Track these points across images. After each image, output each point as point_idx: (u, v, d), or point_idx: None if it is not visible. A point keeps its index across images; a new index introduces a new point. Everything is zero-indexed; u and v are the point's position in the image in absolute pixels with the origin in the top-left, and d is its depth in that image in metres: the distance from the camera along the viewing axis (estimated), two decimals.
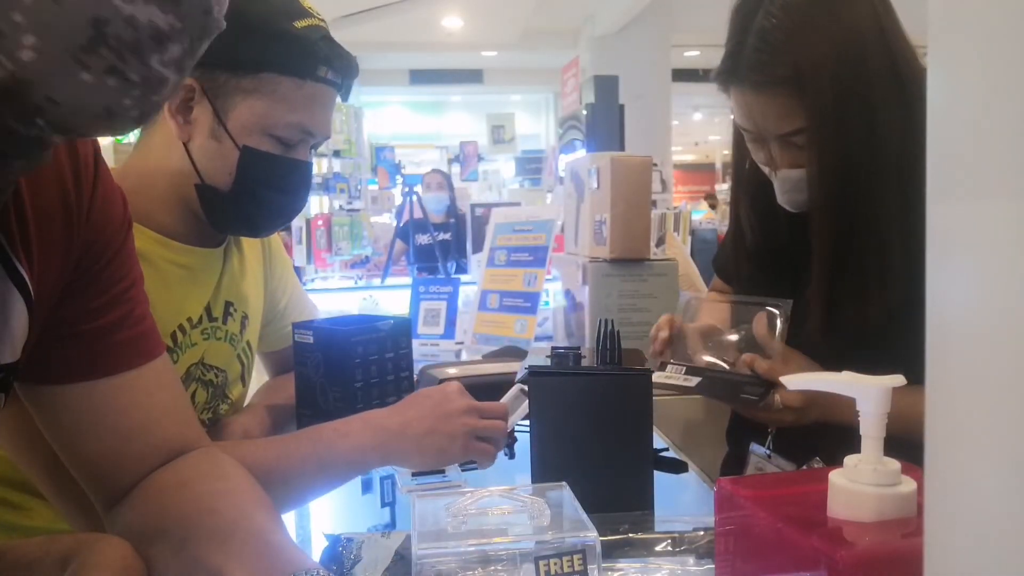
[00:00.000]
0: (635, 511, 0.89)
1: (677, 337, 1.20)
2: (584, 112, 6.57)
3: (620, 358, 0.99)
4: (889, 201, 1.04)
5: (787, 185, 1.10)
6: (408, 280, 3.97)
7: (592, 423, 0.96)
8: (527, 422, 1.01)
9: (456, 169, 9.05)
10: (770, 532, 0.59)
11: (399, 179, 6.49)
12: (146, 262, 0.85)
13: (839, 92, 1.02)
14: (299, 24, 1.03)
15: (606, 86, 6.52)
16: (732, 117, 1.15)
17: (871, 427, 0.58)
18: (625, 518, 0.85)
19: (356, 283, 4.95)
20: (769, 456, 1.10)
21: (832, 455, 0.73)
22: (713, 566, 0.75)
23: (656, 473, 0.99)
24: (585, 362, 1.00)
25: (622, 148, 6.11)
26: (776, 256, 1.22)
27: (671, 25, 8.50)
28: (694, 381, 1.13)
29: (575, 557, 0.67)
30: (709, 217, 8.96)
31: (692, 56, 10.32)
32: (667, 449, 1.21)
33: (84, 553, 0.63)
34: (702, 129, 17.08)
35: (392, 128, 12.09)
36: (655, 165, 2.55)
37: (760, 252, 1.24)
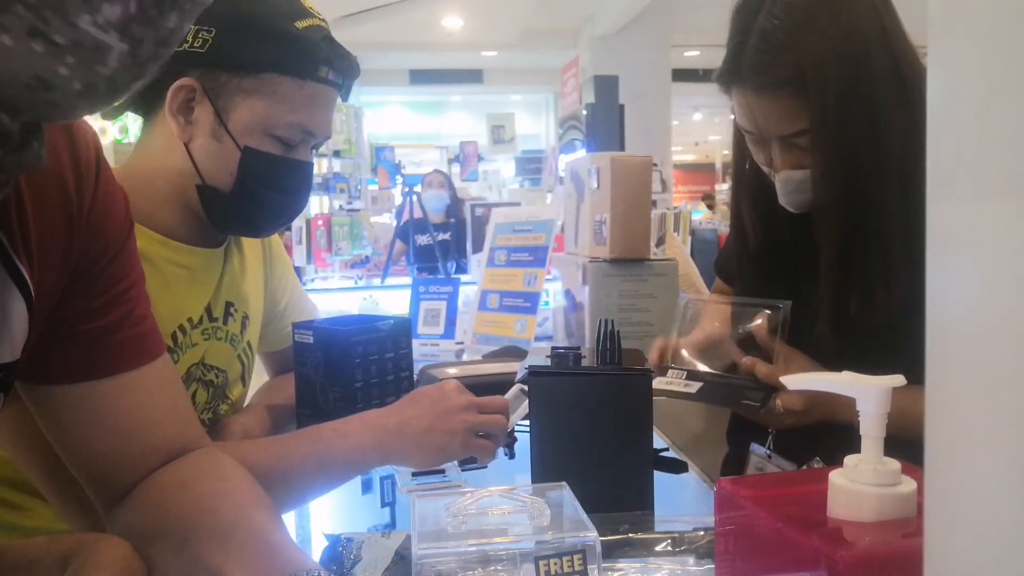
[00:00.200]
0: (635, 511, 0.89)
1: (675, 352, 1.20)
2: (584, 112, 6.58)
3: (620, 358, 0.99)
4: (891, 201, 1.04)
5: (789, 186, 1.10)
6: (408, 280, 3.97)
7: (592, 423, 0.96)
8: (527, 422, 1.01)
9: (456, 169, 9.05)
10: (770, 532, 0.59)
11: (399, 179, 6.49)
12: (147, 262, 0.85)
13: (841, 93, 1.01)
14: (300, 24, 1.03)
15: (606, 86, 6.53)
16: (732, 117, 1.15)
17: (871, 427, 0.58)
18: (625, 518, 0.85)
19: (356, 283, 4.95)
20: (769, 456, 1.11)
21: (832, 455, 0.74)
22: (713, 566, 0.75)
23: (656, 473, 0.99)
24: (585, 362, 1.00)
25: (622, 148, 6.12)
26: (777, 256, 1.22)
27: (671, 25, 8.50)
28: (695, 387, 1.13)
29: (575, 557, 0.67)
30: (707, 218, 8.96)
31: (692, 56, 10.32)
32: (667, 449, 1.21)
33: (84, 553, 0.63)
34: (702, 129, 17.08)
35: (392, 128, 12.09)
36: (655, 165, 2.55)
37: (761, 252, 1.24)
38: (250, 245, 1.25)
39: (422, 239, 5.38)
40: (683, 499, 1.13)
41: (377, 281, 5.02)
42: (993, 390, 0.30)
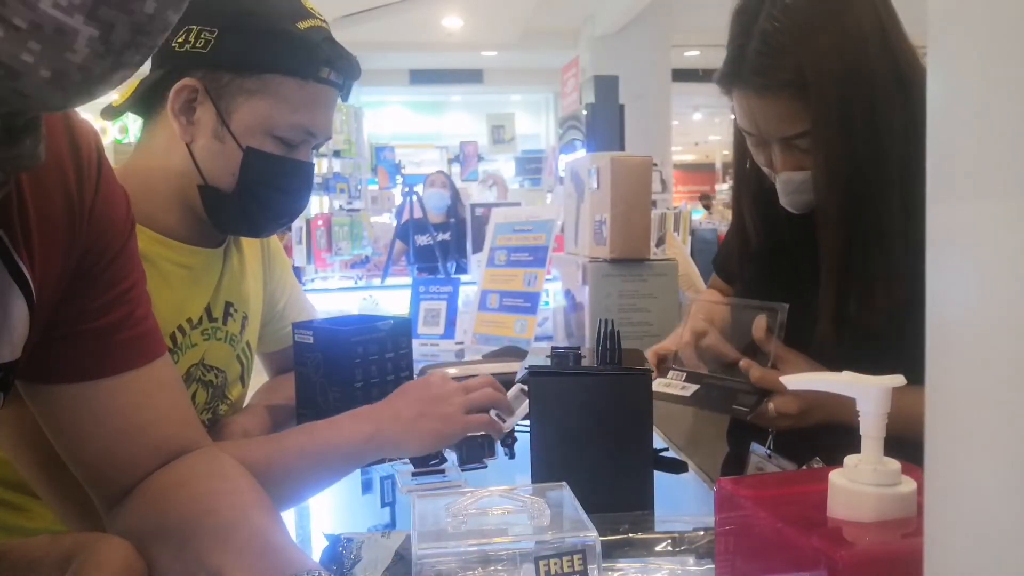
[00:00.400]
0: (635, 511, 0.89)
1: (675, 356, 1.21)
2: (584, 112, 6.58)
3: (620, 358, 0.99)
4: (892, 201, 1.04)
5: (789, 187, 1.10)
6: (408, 280, 3.98)
7: (592, 423, 0.96)
8: (527, 422, 1.01)
9: (456, 169, 9.05)
10: (770, 532, 0.59)
11: (399, 179, 6.50)
12: (147, 262, 0.85)
13: (842, 94, 1.01)
14: (302, 25, 1.03)
15: (606, 86, 6.53)
16: (733, 117, 1.15)
17: (871, 427, 0.58)
18: (625, 518, 0.85)
19: (356, 283, 4.95)
20: (769, 456, 1.10)
21: (832, 455, 0.73)
22: (713, 566, 0.75)
23: (656, 473, 0.99)
24: (585, 362, 1.00)
25: (622, 148, 6.12)
26: (777, 256, 1.22)
27: (671, 25, 8.50)
28: (690, 390, 1.13)
29: (575, 557, 0.67)
30: (705, 218, 8.96)
31: (692, 56, 10.32)
32: (667, 449, 1.21)
33: (85, 553, 0.63)
34: (702, 129, 17.08)
35: (392, 128, 12.09)
36: (655, 165, 2.55)
37: (762, 252, 1.24)
38: (249, 245, 1.25)
39: (422, 239, 5.38)
40: (683, 499, 1.13)
41: (377, 281, 5.02)
42: (993, 390, 0.30)
